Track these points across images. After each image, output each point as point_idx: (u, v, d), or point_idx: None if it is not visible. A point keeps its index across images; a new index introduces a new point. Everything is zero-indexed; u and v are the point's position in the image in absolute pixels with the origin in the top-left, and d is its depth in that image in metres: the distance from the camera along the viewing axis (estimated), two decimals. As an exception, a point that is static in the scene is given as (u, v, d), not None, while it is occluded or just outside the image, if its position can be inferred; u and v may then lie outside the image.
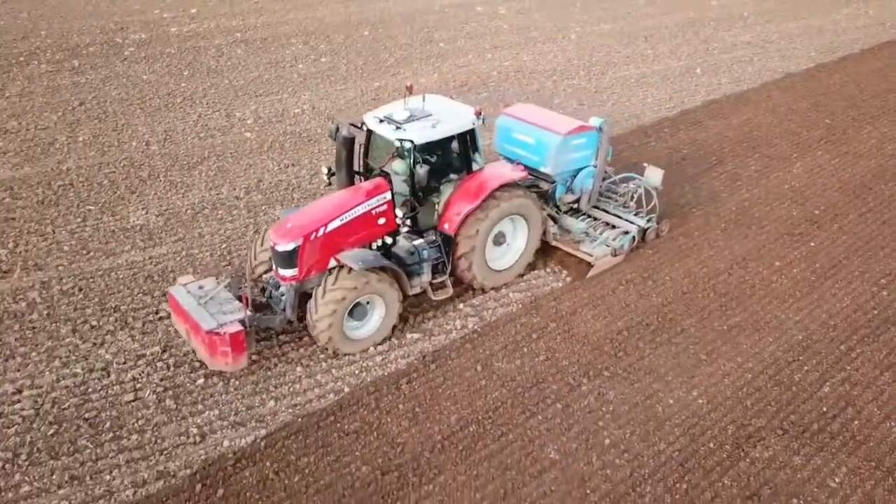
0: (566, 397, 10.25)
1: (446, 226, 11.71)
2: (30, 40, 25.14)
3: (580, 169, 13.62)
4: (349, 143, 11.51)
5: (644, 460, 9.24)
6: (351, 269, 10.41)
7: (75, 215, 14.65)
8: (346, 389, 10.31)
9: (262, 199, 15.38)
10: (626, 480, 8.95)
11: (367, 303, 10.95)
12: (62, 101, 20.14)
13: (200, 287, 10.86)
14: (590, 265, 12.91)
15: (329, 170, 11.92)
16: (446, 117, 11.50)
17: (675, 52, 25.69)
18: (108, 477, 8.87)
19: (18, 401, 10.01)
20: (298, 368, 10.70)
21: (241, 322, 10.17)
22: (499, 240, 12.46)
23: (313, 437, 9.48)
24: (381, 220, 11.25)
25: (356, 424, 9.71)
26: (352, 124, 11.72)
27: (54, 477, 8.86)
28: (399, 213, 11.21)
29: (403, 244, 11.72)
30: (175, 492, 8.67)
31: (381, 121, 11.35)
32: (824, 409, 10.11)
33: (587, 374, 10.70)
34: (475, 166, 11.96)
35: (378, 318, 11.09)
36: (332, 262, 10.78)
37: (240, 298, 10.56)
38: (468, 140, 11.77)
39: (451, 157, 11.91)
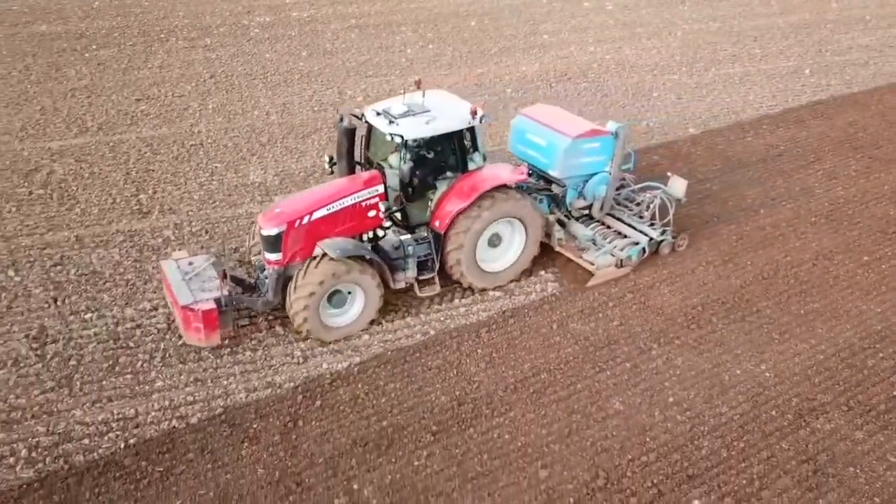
0: (635, 359, 10.88)
1: (437, 223, 11.68)
2: (169, 20, 27.80)
3: (593, 174, 13.16)
4: (350, 133, 11.60)
5: (704, 419, 9.77)
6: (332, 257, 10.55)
7: (204, 170, 16.47)
8: (432, 332, 11.40)
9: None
10: (686, 434, 9.53)
11: (349, 292, 11.10)
12: (195, 74, 22.33)
13: (190, 263, 11.38)
14: (591, 273, 12.46)
15: (331, 158, 11.99)
16: (442, 115, 11.35)
17: (785, 52, 25.25)
18: (225, 382, 10.35)
19: (154, 316, 11.68)
20: (392, 312, 11.86)
21: (217, 301, 10.50)
22: (494, 242, 12.28)
23: (400, 368, 10.62)
24: (371, 213, 11.33)
25: (438, 362, 10.78)
26: (353, 115, 11.77)
27: (182, 377, 10.43)
28: (382, 206, 11.28)
29: (391, 238, 11.76)
30: (280, 399, 10.04)
31: (378, 114, 11.36)
32: (894, 393, 10.24)
33: (658, 340, 11.28)
34: (472, 165, 11.83)
35: (358, 308, 11.18)
36: (318, 250, 10.87)
37: (225, 277, 10.85)
38: (464, 139, 11.66)
39: (448, 155, 11.71)
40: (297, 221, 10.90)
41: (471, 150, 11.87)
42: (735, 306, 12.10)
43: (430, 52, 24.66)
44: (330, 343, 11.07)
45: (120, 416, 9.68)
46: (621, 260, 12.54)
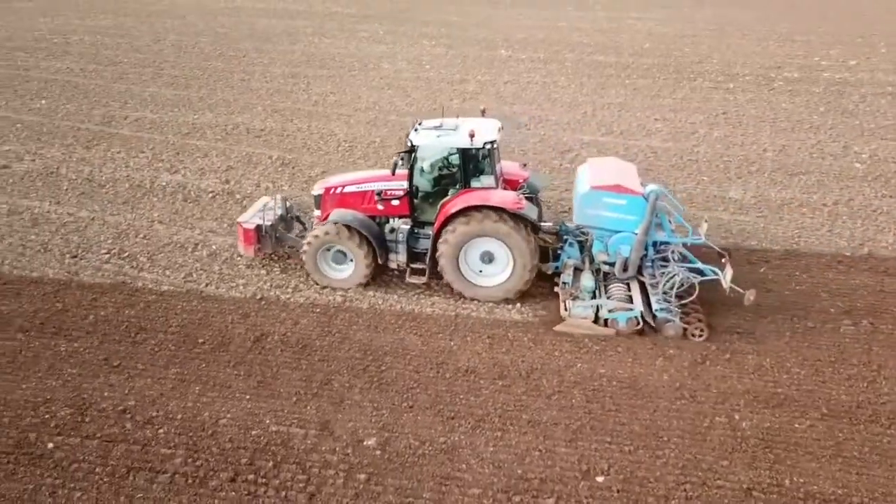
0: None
1: (434, 225, 12.97)
2: (703, 64, 31.31)
3: (618, 231, 12.60)
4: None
5: None
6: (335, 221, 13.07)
7: (691, 179, 19.01)
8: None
9: (847, 212, 17.02)
10: None
11: (347, 256, 13.34)
12: (710, 108, 25.12)
13: (286, 200, 14.86)
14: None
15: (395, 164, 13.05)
16: (456, 135, 12.73)
17: None
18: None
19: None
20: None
21: (258, 226, 13.78)
22: (486, 258, 12.95)
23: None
24: (395, 202, 13.35)
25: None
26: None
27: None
28: (377, 195, 13.35)
29: (394, 224, 13.69)
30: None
31: (420, 123, 13.33)
32: None
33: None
34: (476, 184, 12.84)
35: (349, 269, 13.45)
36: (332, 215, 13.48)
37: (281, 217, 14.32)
38: (473, 159, 12.78)
39: (454, 170, 13.14)
40: (332, 190, 13.84)
41: (486, 171, 12.86)
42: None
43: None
44: (324, 287, 13.53)
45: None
46: (606, 319, 12.04)
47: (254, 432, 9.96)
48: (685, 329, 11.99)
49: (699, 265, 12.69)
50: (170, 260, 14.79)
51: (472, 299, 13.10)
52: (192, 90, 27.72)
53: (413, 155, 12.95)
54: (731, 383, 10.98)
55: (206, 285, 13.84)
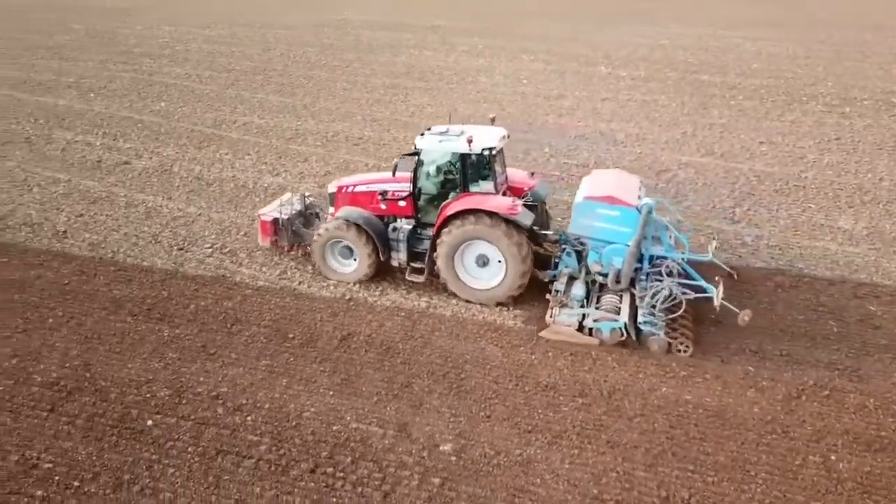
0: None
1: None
2: (816, 87, 29.81)
3: (611, 242, 12.45)
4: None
5: None
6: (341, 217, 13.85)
7: (798, 206, 18.09)
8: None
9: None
10: None
11: (352, 252, 14.05)
12: (820, 133, 23.87)
13: (309, 196, 15.96)
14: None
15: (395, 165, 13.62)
16: (458, 140, 12.99)
17: None
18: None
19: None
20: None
21: (275, 219, 14.71)
22: (481, 261, 13.25)
23: None
24: (401, 203, 13.89)
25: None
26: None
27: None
28: (380, 195, 13.87)
29: (398, 223, 14.07)
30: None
31: (429, 128, 13.78)
32: None
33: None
34: (475, 188, 13.26)
35: (354, 265, 14.17)
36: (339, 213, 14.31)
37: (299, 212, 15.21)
38: (472, 165, 13.14)
39: (455, 174, 13.46)
40: (344, 189, 14.52)
41: (486, 176, 13.21)
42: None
43: None
44: (329, 280, 14.32)
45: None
46: (590, 329, 12.05)
47: (335, 427, 10.25)
48: (670, 344, 11.83)
49: (701, 282, 12.32)
50: (266, 257, 15.48)
51: (468, 301, 13.52)
52: (297, 98, 29.00)
53: (418, 158, 13.50)
54: (829, 422, 10.35)
55: (299, 283, 14.38)
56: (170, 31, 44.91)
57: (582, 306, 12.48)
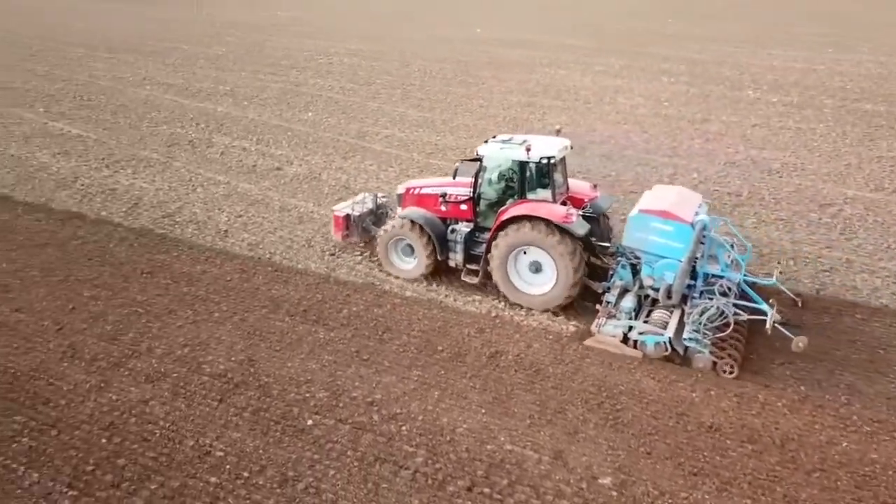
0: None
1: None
2: None
3: (664, 257, 12.35)
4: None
5: None
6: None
7: (870, 243, 16.35)
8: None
9: None
10: None
11: (413, 250, 14.72)
12: None
13: (381, 196, 16.94)
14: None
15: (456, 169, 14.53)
16: (518, 148, 13.32)
17: None
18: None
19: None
20: None
21: (347, 215, 15.61)
22: (534, 267, 13.56)
23: None
24: (463, 207, 14.41)
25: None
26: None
27: None
28: (441, 198, 14.41)
29: (457, 226, 14.47)
30: None
31: (494, 136, 14.35)
32: None
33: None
34: (532, 196, 13.58)
35: (414, 262, 14.84)
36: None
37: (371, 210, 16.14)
38: (532, 172, 13.57)
39: (514, 181, 13.86)
40: (412, 190, 15.17)
41: (546, 185, 13.47)
42: None
43: None
44: (389, 275, 15.13)
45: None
46: (635, 341, 12.07)
47: (489, 447, 10.11)
48: (715, 363, 11.70)
49: (760, 304, 12.04)
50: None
51: (516, 304, 13.86)
52: (436, 113, 29.52)
53: (480, 164, 13.95)
54: None
55: (445, 296, 14.46)
56: (314, 44, 47.21)
57: (630, 319, 12.48)
